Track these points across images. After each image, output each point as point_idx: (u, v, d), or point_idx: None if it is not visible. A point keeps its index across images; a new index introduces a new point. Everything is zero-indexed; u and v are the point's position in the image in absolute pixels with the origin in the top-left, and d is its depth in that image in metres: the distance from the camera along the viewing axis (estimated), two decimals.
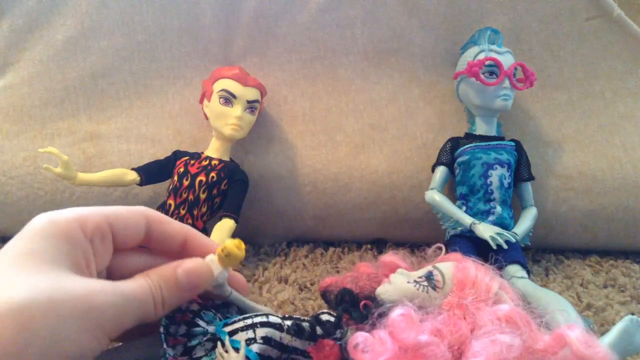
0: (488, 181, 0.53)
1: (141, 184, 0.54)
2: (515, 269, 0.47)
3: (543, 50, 0.60)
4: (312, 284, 0.53)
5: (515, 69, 0.54)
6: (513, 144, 0.55)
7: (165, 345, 0.32)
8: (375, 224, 0.60)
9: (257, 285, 0.53)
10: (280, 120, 0.61)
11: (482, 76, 0.53)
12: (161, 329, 0.34)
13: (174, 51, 0.61)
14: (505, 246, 0.47)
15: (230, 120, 0.54)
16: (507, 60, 0.54)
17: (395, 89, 0.61)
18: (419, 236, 0.57)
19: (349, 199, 0.59)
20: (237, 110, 0.54)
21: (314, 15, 0.61)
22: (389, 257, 0.41)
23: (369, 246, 0.61)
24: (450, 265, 0.36)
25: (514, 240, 0.48)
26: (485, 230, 0.49)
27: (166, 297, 0.29)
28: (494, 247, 0.47)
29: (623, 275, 0.55)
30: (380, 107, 0.61)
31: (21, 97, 0.60)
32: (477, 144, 0.54)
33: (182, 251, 0.32)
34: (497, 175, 0.53)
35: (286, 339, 0.33)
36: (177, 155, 0.56)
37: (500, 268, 0.40)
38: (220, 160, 0.55)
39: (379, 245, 0.61)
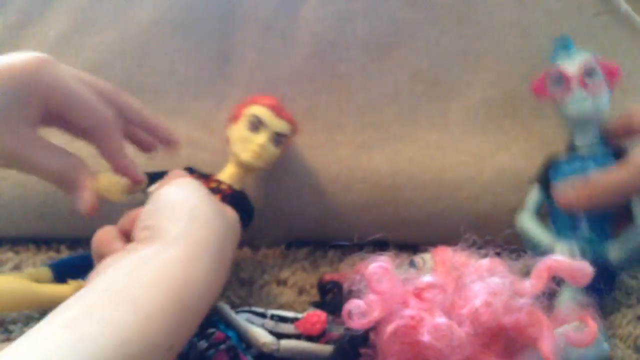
0: None
1: None
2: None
3: (550, 46, 0.59)
4: (311, 287, 0.52)
5: (590, 67, 0.49)
6: (612, 153, 0.49)
7: None
8: (377, 226, 0.58)
9: (255, 288, 0.52)
10: None
11: (549, 90, 0.50)
12: None
13: (167, 46, 0.60)
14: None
15: (251, 145, 0.51)
16: (573, 64, 0.49)
17: (397, 85, 0.59)
18: (422, 238, 0.56)
19: (349, 200, 0.58)
20: (261, 137, 0.51)
21: (314, 8, 0.59)
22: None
23: (370, 248, 0.60)
24: (431, 251, 0.39)
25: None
26: (562, 248, 0.46)
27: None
28: None
29: (630, 277, 0.54)
30: (382, 105, 0.59)
31: None
32: (564, 159, 0.50)
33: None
34: None
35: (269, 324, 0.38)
36: (190, 171, 0.53)
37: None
38: (230, 187, 0.52)
39: (381, 247, 0.60)
